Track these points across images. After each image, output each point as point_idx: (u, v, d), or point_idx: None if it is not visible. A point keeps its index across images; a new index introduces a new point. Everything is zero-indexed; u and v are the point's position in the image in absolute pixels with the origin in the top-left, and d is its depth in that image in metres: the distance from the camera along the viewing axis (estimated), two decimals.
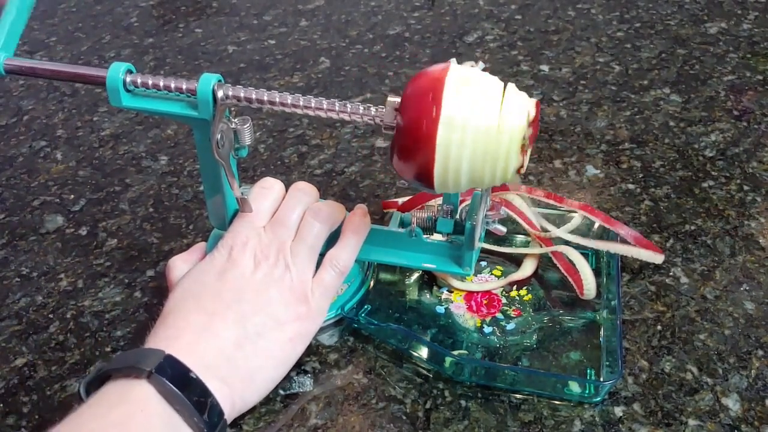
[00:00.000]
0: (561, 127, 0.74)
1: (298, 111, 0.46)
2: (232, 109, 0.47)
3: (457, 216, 0.53)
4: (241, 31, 0.96)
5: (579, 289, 0.54)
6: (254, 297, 0.46)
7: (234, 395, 0.43)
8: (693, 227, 0.61)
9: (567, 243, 0.57)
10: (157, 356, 0.41)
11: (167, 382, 0.39)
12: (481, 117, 0.40)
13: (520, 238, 0.60)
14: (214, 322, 0.45)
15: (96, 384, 0.41)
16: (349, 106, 0.45)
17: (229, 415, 0.43)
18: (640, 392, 0.49)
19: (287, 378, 0.48)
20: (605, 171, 0.68)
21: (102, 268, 0.61)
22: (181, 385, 0.40)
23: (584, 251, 0.56)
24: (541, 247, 0.57)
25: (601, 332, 0.52)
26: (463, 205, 0.53)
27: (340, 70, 0.86)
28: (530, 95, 0.47)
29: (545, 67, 0.85)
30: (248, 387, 0.45)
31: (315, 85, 0.84)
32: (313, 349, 0.52)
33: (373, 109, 0.45)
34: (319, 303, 0.48)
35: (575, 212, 0.59)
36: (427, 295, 0.56)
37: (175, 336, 0.44)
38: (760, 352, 0.51)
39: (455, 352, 0.51)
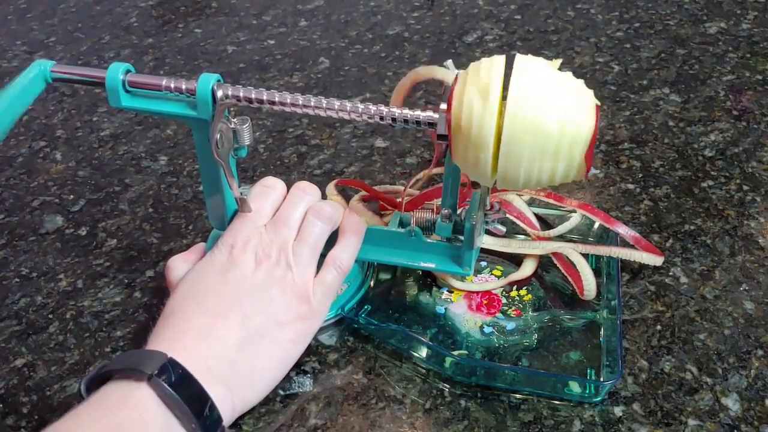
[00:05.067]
0: None
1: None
2: (232, 109, 0.47)
3: (457, 216, 0.53)
4: (241, 31, 0.96)
5: (579, 290, 0.54)
6: (256, 297, 0.46)
7: (235, 398, 0.43)
8: (692, 227, 0.61)
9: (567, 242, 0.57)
10: (158, 359, 0.41)
11: (167, 386, 0.39)
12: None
13: (520, 237, 0.60)
14: (216, 324, 0.45)
15: (97, 383, 0.41)
16: (385, 110, 0.45)
17: (230, 418, 0.43)
18: (639, 392, 0.49)
19: (287, 378, 0.48)
20: (605, 171, 0.68)
21: (102, 268, 0.61)
22: (182, 389, 0.40)
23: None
24: (541, 247, 0.57)
25: (601, 332, 0.52)
26: (462, 208, 0.53)
27: (340, 70, 0.86)
28: None
29: None
30: (249, 388, 0.45)
31: (314, 85, 0.84)
32: (312, 349, 0.52)
33: (421, 114, 0.45)
34: (321, 303, 0.48)
35: (575, 212, 0.59)
36: (427, 295, 0.56)
37: (178, 338, 0.44)
38: (760, 352, 0.51)
39: (455, 353, 0.51)
